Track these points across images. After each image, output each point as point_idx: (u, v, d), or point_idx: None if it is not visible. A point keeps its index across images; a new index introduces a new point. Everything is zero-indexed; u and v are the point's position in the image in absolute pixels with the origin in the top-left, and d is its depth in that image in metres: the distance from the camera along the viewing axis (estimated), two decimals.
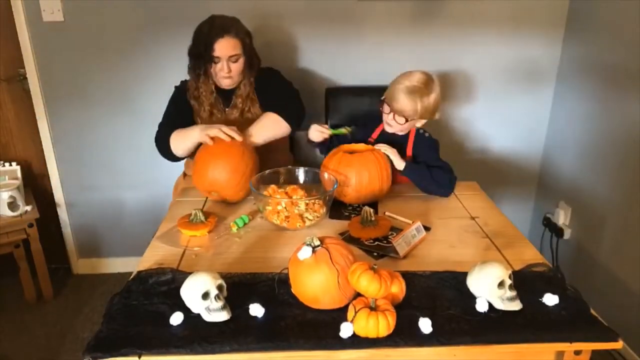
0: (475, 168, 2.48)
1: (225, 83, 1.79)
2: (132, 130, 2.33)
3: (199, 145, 1.61)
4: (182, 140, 1.70)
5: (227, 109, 1.85)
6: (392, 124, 1.67)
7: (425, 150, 1.71)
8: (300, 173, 1.59)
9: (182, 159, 1.82)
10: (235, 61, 1.74)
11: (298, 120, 1.85)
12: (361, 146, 1.61)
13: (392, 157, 1.60)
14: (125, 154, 2.38)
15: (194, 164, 1.57)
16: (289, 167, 1.60)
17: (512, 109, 2.41)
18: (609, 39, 2.00)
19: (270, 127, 1.77)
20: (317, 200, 1.41)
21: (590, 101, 2.12)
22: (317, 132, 1.71)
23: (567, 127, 2.29)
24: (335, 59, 2.27)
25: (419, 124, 1.70)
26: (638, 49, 1.82)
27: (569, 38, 2.26)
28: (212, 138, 1.56)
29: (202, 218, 1.36)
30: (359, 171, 1.49)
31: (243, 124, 1.77)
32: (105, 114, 2.31)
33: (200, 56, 1.73)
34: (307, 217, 1.39)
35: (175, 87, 1.90)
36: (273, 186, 1.48)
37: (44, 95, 2.26)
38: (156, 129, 1.82)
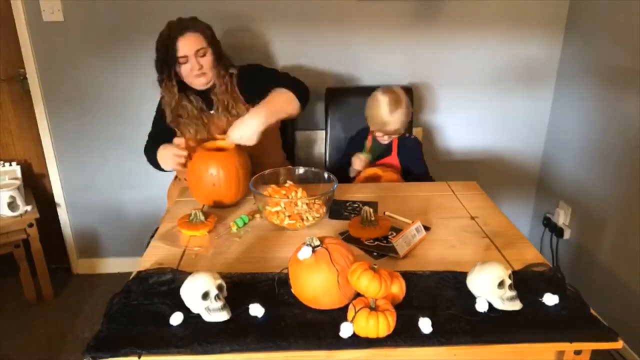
0: (475, 168, 2.48)
1: (200, 82, 1.73)
2: (132, 130, 2.33)
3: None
4: (163, 164, 1.69)
5: (212, 112, 1.80)
6: (387, 139, 1.93)
7: (408, 150, 1.94)
8: (300, 173, 1.58)
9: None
10: (203, 55, 1.69)
11: (306, 98, 1.78)
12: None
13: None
14: (125, 154, 2.38)
15: (188, 176, 1.55)
16: (289, 167, 1.59)
17: (512, 109, 2.41)
18: (609, 39, 2.00)
19: (283, 103, 1.68)
20: (317, 200, 1.40)
21: (590, 101, 2.12)
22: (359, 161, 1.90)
23: (567, 127, 2.29)
24: (335, 59, 2.27)
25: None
26: (638, 49, 1.82)
27: (569, 38, 2.26)
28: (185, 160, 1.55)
29: (202, 218, 1.36)
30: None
31: (227, 118, 1.76)
32: (105, 114, 2.31)
33: (166, 61, 1.68)
34: (307, 217, 1.39)
35: (159, 100, 1.87)
36: (273, 186, 1.48)
37: (44, 95, 2.26)
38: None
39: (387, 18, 2.21)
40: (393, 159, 1.95)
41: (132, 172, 2.41)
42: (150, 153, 1.75)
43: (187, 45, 1.66)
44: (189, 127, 1.77)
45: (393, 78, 2.24)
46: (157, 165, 1.74)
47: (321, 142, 2.27)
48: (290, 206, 1.38)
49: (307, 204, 1.39)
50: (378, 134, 1.92)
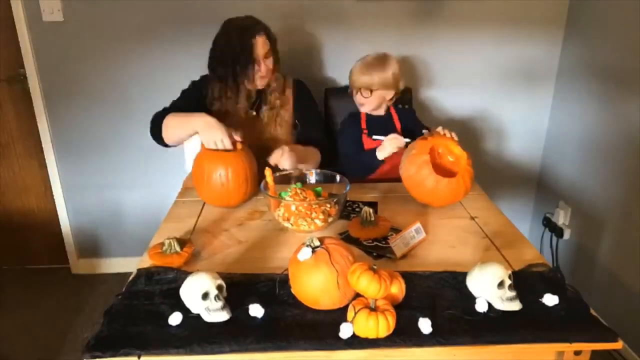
0: (475, 168, 2.45)
1: (261, 83, 1.76)
2: (132, 130, 2.33)
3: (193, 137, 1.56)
4: (179, 126, 1.60)
5: (261, 109, 1.80)
6: (363, 102, 1.83)
7: (410, 120, 1.90)
8: (311, 175, 1.57)
9: (171, 146, 1.74)
10: (268, 57, 1.71)
11: (324, 159, 1.85)
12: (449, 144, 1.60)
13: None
14: (125, 154, 2.38)
15: (193, 174, 1.53)
16: (300, 169, 1.58)
17: (511, 109, 2.41)
18: (609, 39, 2.00)
19: (309, 160, 1.75)
20: (330, 203, 1.40)
21: (590, 101, 2.12)
22: (395, 142, 1.69)
23: (567, 127, 2.29)
24: (335, 59, 2.27)
25: (388, 96, 1.83)
26: (638, 49, 1.82)
27: (569, 38, 2.26)
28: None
29: (177, 248, 1.21)
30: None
31: (272, 120, 1.80)
32: (105, 113, 2.31)
33: (240, 62, 1.65)
34: (319, 219, 1.37)
35: (193, 82, 1.84)
36: (294, 186, 1.46)
37: (44, 95, 2.26)
38: None
39: (386, 18, 2.21)
40: (397, 125, 1.88)
41: (132, 172, 2.41)
42: (161, 120, 1.67)
43: (260, 47, 1.66)
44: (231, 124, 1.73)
45: None
46: (159, 135, 1.68)
47: None
48: (307, 209, 1.36)
49: (319, 206, 1.38)
50: (363, 98, 1.80)
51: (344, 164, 1.84)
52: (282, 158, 1.59)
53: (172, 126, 1.64)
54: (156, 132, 1.69)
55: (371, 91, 1.79)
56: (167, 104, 1.88)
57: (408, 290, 1.06)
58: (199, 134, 1.55)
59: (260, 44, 1.66)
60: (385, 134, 1.73)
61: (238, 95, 1.75)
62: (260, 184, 1.43)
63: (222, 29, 1.71)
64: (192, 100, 1.77)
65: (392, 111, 1.90)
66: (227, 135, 1.51)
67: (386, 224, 1.36)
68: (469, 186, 1.50)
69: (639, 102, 1.83)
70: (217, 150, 1.51)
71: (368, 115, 1.88)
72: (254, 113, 1.82)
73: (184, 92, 1.83)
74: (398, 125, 1.89)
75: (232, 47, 1.66)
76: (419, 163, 1.47)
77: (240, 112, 1.78)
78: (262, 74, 1.71)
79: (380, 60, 1.80)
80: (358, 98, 1.84)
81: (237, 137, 1.53)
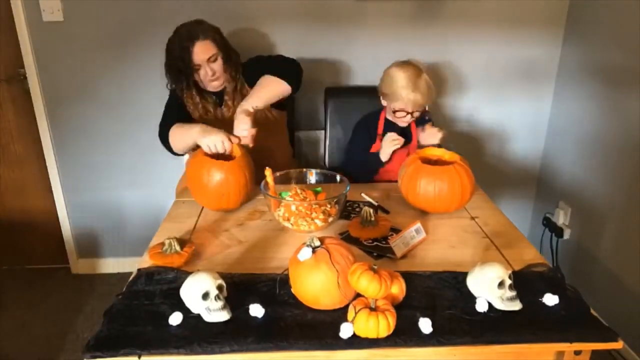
0: (475, 168, 2.46)
1: (214, 86, 1.79)
2: (132, 130, 2.33)
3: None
4: (180, 137, 1.67)
5: (220, 108, 1.85)
6: (408, 119, 1.76)
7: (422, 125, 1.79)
8: (311, 175, 1.57)
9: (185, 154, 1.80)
10: (214, 61, 1.73)
11: (296, 77, 1.81)
12: (437, 152, 1.58)
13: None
14: (126, 154, 2.38)
15: (187, 179, 1.54)
16: (302, 169, 1.58)
17: (511, 109, 2.41)
18: (609, 39, 2.00)
19: (268, 87, 1.73)
20: (330, 203, 1.40)
21: (590, 101, 2.12)
22: (392, 143, 1.71)
23: (567, 127, 2.30)
24: (335, 59, 2.27)
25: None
26: (638, 49, 1.82)
27: (569, 38, 2.26)
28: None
29: (178, 248, 1.22)
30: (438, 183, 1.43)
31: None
32: (105, 113, 2.31)
33: (184, 71, 1.72)
34: (319, 219, 1.37)
35: (171, 91, 1.88)
36: (294, 186, 1.47)
37: (44, 95, 2.26)
38: (156, 129, 1.82)
39: (386, 18, 2.21)
40: (413, 148, 1.80)
41: (131, 172, 2.41)
42: (167, 135, 1.73)
43: (199, 54, 1.69)
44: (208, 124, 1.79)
45: None
46: (170, 148, 1.76)
47: (321, 142, 2.27)
48: (307, 209, 1.36)
49: (319, 206, 1.38)
50: (399, 114, 1.74)
51: (349, 167, 1.84)
52: (239, 129, 1.60)
53: (175, 139, 1.71)
54: (167, 147, 1.77)
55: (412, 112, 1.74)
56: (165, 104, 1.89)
57: (408, 290, 1.06)
58: (197, 141, 1.56)
59: (200, 50, 1.69)
60: (400, 147, 1.72)
61: (199, 97, 1.81)
62: (261, 184, 1.43)
63: (171, 37, 1.75)
64: (175, 110, 1.82)
65: (412, 124, 1.83)
66: (226, 137, 1.52)
67: (386, 224, 1.36)
68: (467, 195, 1.47)
69: (639, 102, 1.83)
70: (216, 154, 1.52)
71: (387, 120, 1.82)
72: (223, 109, 1.85)
73: (167, 106, 1.87)
74: (415, 137, 1.82)
75: (174, 54, 1.71)
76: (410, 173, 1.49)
77: (209, 113, 1.83)
78: (210, 77, 1.74)
79: (419, 71, 1.72)
80: (405, 118, 1.75)
81: (235, 140, 1.55)
